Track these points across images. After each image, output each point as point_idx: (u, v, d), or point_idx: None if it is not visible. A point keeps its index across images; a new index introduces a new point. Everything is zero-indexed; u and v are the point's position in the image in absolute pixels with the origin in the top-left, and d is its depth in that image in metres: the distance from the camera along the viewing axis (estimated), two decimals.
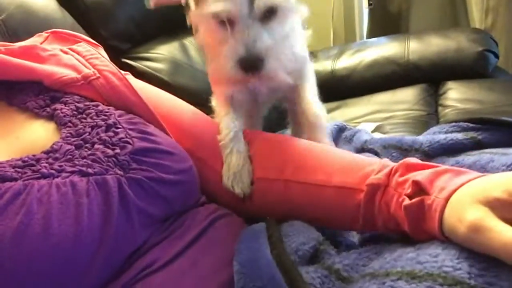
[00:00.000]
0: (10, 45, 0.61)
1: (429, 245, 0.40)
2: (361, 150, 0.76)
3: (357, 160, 0.55)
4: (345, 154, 0.58)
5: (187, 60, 1.36)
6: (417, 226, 0.43)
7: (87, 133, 0.51)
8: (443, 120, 1.22)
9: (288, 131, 0.81)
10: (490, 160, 0.56)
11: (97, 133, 0.51)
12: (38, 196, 0.41)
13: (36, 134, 0.52)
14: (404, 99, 1.37)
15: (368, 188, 0.49)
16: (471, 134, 0.66)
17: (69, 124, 0.52)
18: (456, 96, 1.31)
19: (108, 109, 0.55)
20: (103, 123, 0.52)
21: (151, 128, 0.55)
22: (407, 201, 0.44)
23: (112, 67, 0.60)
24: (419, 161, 0.48)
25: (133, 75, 0.71)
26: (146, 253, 0.47)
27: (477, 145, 0.65)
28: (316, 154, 0.58)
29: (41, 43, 0.64)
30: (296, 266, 0.43)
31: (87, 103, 0.56)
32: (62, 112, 0.53)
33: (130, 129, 0.52)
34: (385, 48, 1.55)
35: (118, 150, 0.49)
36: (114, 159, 0.48)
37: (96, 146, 0.49)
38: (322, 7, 2.16)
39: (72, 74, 0.58)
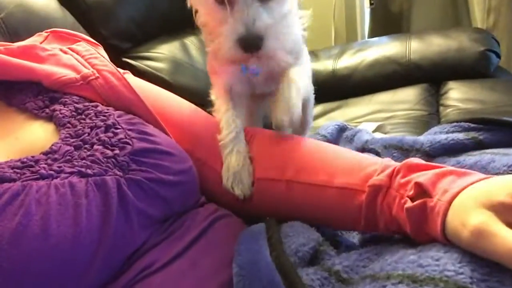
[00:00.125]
0: (9, 45, 0.61)
1: (431, 248, 0.39)
2: (362, 150, 0.76)
3: (359, 160, 0.54)
4: (347, 154, 0.58)
5: (187, 59, 1.36)
6: (419, 229, 0.43)
7: (86, 134, 0.51)
8: (444, 120, 1.21)
9: None
10: (491, 160, 0.56)
11: (96, 134, 0.51)
12: (36, 197, 0.41)
13: (35, 135, 0.52)
14: (405, 99, 1.36)
15: (370, 190, 0.49)
16: (472, 134, 0.66)
17: (68, 125, 0.52)
18: (458, 96, 1.30)
19: (107, 109, 0.55)
20: (102, 123, 0.52)
21: (150, 128, 0.55)
22: (409, 204, 0.43)
23: (111, 66, 0.60)
24: (422, 162, 0.48)
25: (134, 75, 0.71)
26: (145, 254, 0.47)
27: (478, 145, 0.64)
28: (317, 153, 0.58)
29: (40, 43, 0.64)
30: (295, 268, 0.43)
31: (86, 103, 0.56)
32: (61, 113, 0.53)
33: (129, 130, 0.52)
34: (386, 48, 1.55)
35: (117, 151, 0.49)
36: (113, 160, 0.48)
37: (95, 147, 0.49)
38: (323, 6, 2.15)
39: (71, 74, 0.58)
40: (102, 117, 0.53)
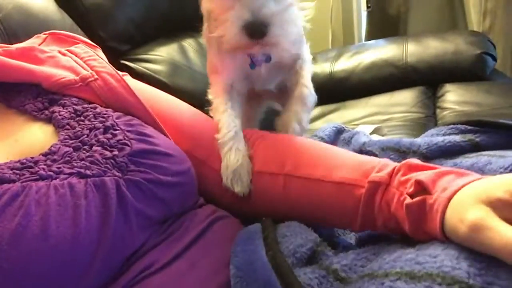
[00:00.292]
0: (8, 47, 0.61)
1: (429, 246, 0.40)
2: (359, 152, 0.76)
3: (358, 157, 0.55)
4: (345, 152, 0.58)
5: (186, 62, 1.36)
6: (418, 226, 0.43)
7: (85, 135, 0.51)
8: (441, 122, 1.22)
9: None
10: (487, 162, 0.56)
11: (95, 135, 0.51)
12: (36, 197, 0.41)
13: (34, 137, 0.52)
14: (402, 102, 1.37)
15: (370, 185, 0.49)
16: (469, 136, 0.67)
17: (67, 126, 0.52)
18: (454, 98, 1.31)
19: (106, 111, 0.55)
20: (101, 125, 0.52)
21: (149, 130, 0.55)
22: (408, 200, 0.44)
23: (110, 68, 0.60)
24: (422, 163, 0.48)
25: (132, 77, 0.71)
26: (144, 255, 0.47)
27: (475, 148, 0.65)
28: (316, 150, 0.58)
29: (39, 45, 0.64)
30: (291, 268, 0.43)
31: (85, 105, 0.56)
32: (60, 115, 0.53)
33: (128, 131, 0.52)
34: (383, 51, 1.55)
35: (116, 152, 0.49)
36: (112, 161, 0.48)
37: (94, 148, 0.49)
38: (320, 9, 2.16)
39: (70, 76, 0.58)
40: (101, 119, 0.53)
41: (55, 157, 0.48)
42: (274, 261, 0.43)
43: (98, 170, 0.47)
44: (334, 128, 0.87)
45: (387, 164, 0.50)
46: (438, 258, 0.37)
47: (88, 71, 0.59)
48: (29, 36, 0.68)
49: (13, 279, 0.38)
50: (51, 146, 0.49)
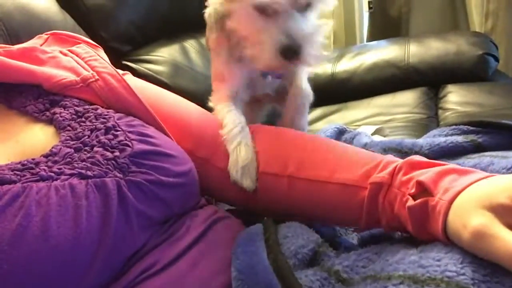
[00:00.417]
0: (9, 47, 0.61)
1: (432, 248, 0.40)
2: None
3: (360, 156, 0.55)
4: (348, 149, 0.58)
5: (187, 62, 1.36)
6: (421, 227, 0.43)
7: (86, 136, 0.51)
8: (443, 123, 1.22)
9: None
10: (490, 163, 0.56)
11: (96, 136, 0.51)
12: (36, 198, 0.41)
13: (35, 138, 0.52)
14: (404, 102, 1.37)
15: (372, 187, 0.49)
16: (471, 137, 0.67)
17: (68, 128, 0.52)
18: (456, 99, 1.31)
19: (107, 112, 0.55)
20: (102, 126, 0.52)
21: (151, 130, 0.55)
22: (410, 202, 0.44)
23: (111, 68, 0.60)
24: (424, 159, 0.48)
25: None
26: (145, 255, 0.47)
27: (477, 148, 0.65)
28: (318, 149, 0.58)
29: (41, 45, 0.64)
30: (293, 270, 0.43)
31: (86, 106, 0.56)
32: (61, 116, 0.53)
33: (129, 132, 0.52)
34: (385, 51, 1.55)
35: (117, 153, 0.49)
36: (113, 162, 0.48)
37: (95, 149, 0.49)
38: (321, 10, 2.16)
39: (71, 76, 0.58)
40: (102, 120, 0.53)
41: (56, 158, 0.48)
42: (276, 264, 0.43)
43: (99, 171, 0.46)
44: (335, 129, 0.87)
45: (389, 162, 0.50)
46: (442, 262, 0.37)
47: (89, 71, 0.59)
48: (31, 37, 0.68)
49: (13, 279, 0.38)
50: (52, 147, 0.49)
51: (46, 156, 0.48)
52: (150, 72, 1.26)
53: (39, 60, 0.59)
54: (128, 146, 0.50)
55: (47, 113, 0.55)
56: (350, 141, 0.84)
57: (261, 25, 0.57)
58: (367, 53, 1.58)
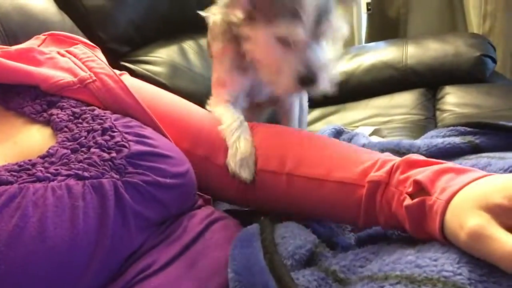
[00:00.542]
0: (6, 48, 0.61)
1: (429, 248, 0.40)
2: None
3: (358, 154, 0.55)
4: (346, 147, 0.58)
5: (186, 63, 1.36)
6: (418, 227, 0.43)
7: (83, 137, 0.51)
8: (441, 124, 1.22)
9: None
10: (487, 164, 0.56)
11: (93, 137, 0.51)
12: (33, 199, 0.41)
13: (33, 139, 0.52)
14: (402, 104, 1.37)
15: (369, 185, 0.49)
16: (468, 138, 0.67)
17: (65, 129, 0.52)
18: (454, 100, 1.31)
19: (104, 113, 0.55)
20: (99, 127, 0.52)
21: (148, 131, 0.55)
22: (408, 201, 0.44)
23: (108, 69, 0.60)
24: (421, 157, 0.48)
25: None
26: (142, 256, 0.47)
27: (475, 149, 0.65)
28: (316, 146, 0.58)
29: (38, 46, 0.64)
30: (290, 270, 0.43)
31: (83, 107, 0.56)
32: (58, 118, 0.53)
33: (126, 133, 0.52)
34: (383, 53, 1.56)
35: (114, 154, 0.49)
36: (110, 162, 0.48)
37: (92, 150, 0.49)
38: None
39: (68, 77, 0.58)
40: (99, 121, 0.53)
41: (53, 159, 0.48)
42: (272, 265, 0.43)
43: (96, 172, 0.46)
44: (333, 130, 0.88)
45: (387, 161, 0.50)
46: (439, 262, 0.37)
47: (86, 72, 0.59)
48: (29, 38, 0.68)
49: (10, 280, 0.38)
50: (49, 149, 0.49)
51: (43, 157, 0.48)
52: (149, 73, 1.26)
53: (37, 61, 0.59)
54: (125, 147, 0.50)
55: (45, 114, 0.55)
56: (348, 142, 0.84)
57: (281, 54, 0.60)
58: (365, 54, 1.58)
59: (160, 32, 1.38)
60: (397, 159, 0.50)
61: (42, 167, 0.46)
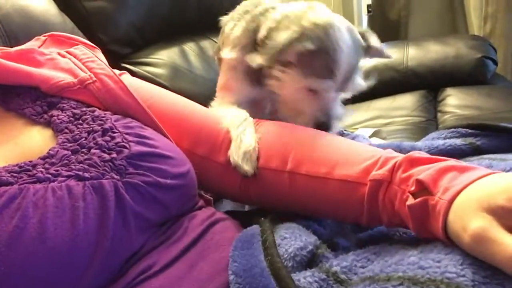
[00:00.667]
0: (7, 49, 0.61)
1: (432, 249, 0.40)
2: None
3: (360, 152, 0.54)
4: (347, 144, 0.58)
5: (187, 65, 1.36)
6: (422, 226, 0.43)
7: (84, 138, 0.51)
8: (442, 126, 1.22)
9: None
10: (489, 165, 0.56)
11: (94, 138, 0.51)
12: (33, 200, 0.41)
13: (33, 141, 0.52)
14: (403, 105, 1.37)
15: (371, 184, 0.49)
16: (469, 140, 0.67)
17: (66, 130, 0.52)
18: (455, 102, 1.31)
19: (105, 114, 0.55)
20: (99, 128, 0.52)
21: (148, 132, 0.55)
22: (410, 200, 0.44)
23: (108, 70, 0.60)
24: (424, 155, 0.48)
25: None
26: (143, 257, 0.47)
27: (476, 151, 0.65)
28: (318, 144, 0.58)
29: (39, 47, 0.64)
30: (289, 273, 0.43)
31: (84, 108, 0.56)
32: (58, 119, 0.53)
33: (126, 134, 0.52)
34: None
35: (114, 155, 0.49)
36: (110, 163, 0.48)
37: (92, 151, 0.49)
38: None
39: (68, 78, 0.58)
40: (99, 122, 0.53)
41: (53, 160, 0.48)
42: (272, 266, 0.42)
43: (96, 172, 0.46)
44: None
45: (389, 158, 0.50)
46: (442, 263, 0.37)
47: (86, 73, 0.59)
48: (29, 39, 0.68)
49: (10, 281, 0.38)
50: (50, 150, 0.49)
51: (43, 158, 0.48)
52: (150, 75, 1.26)
53: (37, 62, 0.59)
54: (125, 147, 0.50)
55: (45, 116, 0.55)
56: None
57: (306, 100, 0.66)
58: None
59: (161, 34, 1.38)
60: (399, 156, 0.49)
61: (43, 168, 0.46)
